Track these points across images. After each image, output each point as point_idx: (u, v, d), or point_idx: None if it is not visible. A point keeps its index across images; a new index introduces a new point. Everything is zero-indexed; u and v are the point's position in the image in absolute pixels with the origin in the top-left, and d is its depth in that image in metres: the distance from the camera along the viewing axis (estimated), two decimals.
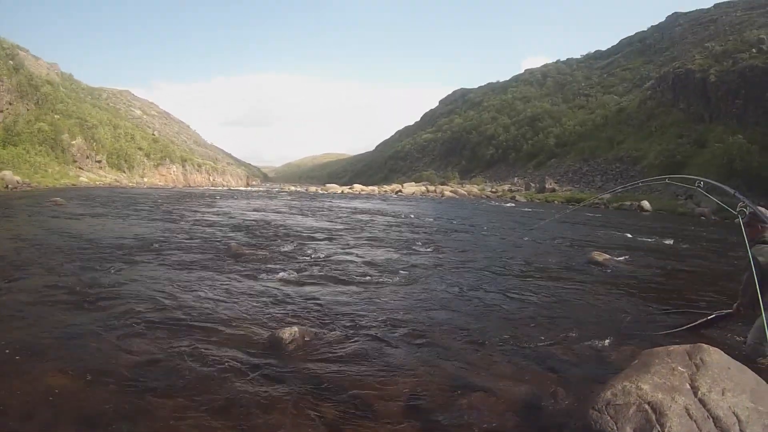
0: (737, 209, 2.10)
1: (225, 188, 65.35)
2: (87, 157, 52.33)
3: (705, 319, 4.46)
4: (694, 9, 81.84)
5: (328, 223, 15.33)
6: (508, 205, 33.72)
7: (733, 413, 2.26)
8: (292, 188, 66.45)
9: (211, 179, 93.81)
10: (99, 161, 55.28)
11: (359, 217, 18.14)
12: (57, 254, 7.63)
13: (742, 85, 38.94)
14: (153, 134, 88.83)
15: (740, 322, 4.36)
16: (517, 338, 4.37)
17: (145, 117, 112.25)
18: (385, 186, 61.45)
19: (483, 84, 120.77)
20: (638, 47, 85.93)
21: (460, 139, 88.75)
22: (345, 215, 18.71)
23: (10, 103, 43.43)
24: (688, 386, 2.44)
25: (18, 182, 30.57)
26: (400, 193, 50.65)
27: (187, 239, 9.97)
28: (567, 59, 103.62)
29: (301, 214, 18.54)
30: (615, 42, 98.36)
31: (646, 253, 10.05)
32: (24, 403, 2.87)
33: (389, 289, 6.21)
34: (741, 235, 2.97)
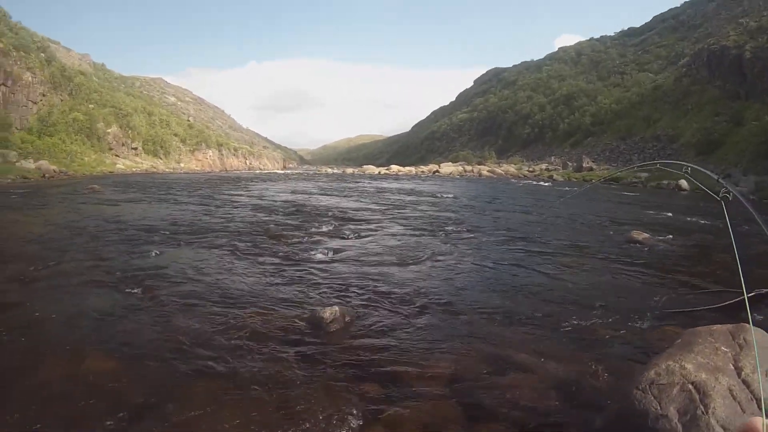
0: (720, 195, 2.12)
1: (262, 171, 66.03)
2: (123, 145, 54.05)
3: (745, 296, 4.36)
4: None
5: (366, 204, 15.39)
6: (546, 184, 33.07)
7: None
8: (329, 170, 66.82)
9: (248, 163, 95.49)
10: (135, 148, 56.99)
11: (396, 197, 18.14)
12: (97, 239, 7.89)
13: None
14: (188, 120, 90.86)
15: None
16: (555, 317, 4.37)
17: (179, 103, 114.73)
18: (422, 166, 60.91)
19: (517, 63, 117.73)
20: (672, 24, 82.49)
21: (496, 118, 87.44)
22: (382, 196, 18.75)
23: (44, 95, 45.05)
24: (732, 366, 2.42)
25: (55, 171, 31.96)
26: (437, 174, 50.31)
27: (226, 222, 10.26)
28: (600, 37, 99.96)
29: (339, 196, 18.72)
30: (648, 19, 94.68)
31: (684, 232, 9.76)
32: (65, 383, 2.97)
33: (426, 270, 6.27)
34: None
